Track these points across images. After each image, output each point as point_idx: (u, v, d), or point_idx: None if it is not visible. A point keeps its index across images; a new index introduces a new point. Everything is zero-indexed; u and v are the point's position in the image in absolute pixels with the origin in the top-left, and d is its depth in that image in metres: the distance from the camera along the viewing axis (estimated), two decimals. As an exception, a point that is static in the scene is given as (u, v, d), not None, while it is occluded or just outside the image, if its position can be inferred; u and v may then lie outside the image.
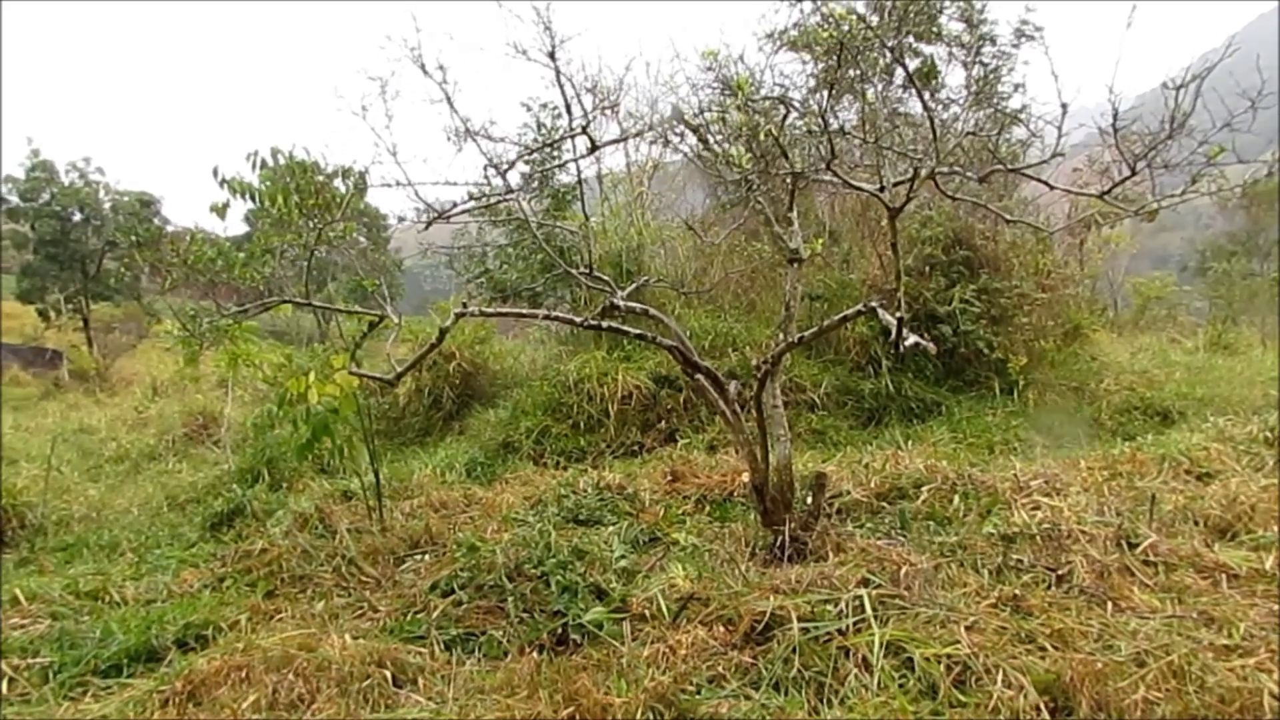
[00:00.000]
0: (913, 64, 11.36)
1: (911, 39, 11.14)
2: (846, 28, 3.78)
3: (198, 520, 7.76)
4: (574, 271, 5.86)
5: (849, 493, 6.28)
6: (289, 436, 6.85)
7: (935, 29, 10.09)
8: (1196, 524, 5.40)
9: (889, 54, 4.32)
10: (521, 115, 11.74)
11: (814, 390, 9.30)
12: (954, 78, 11.48)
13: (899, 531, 5.56)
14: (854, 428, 9.15)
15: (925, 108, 4.03)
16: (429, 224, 4.85)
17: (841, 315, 4.45)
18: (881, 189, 4.40)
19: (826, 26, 4.02)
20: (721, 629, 4.16)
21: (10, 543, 7.77)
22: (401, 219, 6.18)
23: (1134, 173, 3.82)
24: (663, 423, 9.17)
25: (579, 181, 6.13)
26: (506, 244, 11.67)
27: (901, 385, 9.39)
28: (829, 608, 4.12)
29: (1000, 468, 6.83)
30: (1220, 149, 3.83)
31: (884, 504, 6.13)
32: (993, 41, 10.96)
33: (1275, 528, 5.15)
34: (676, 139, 6.69)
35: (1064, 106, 3.80)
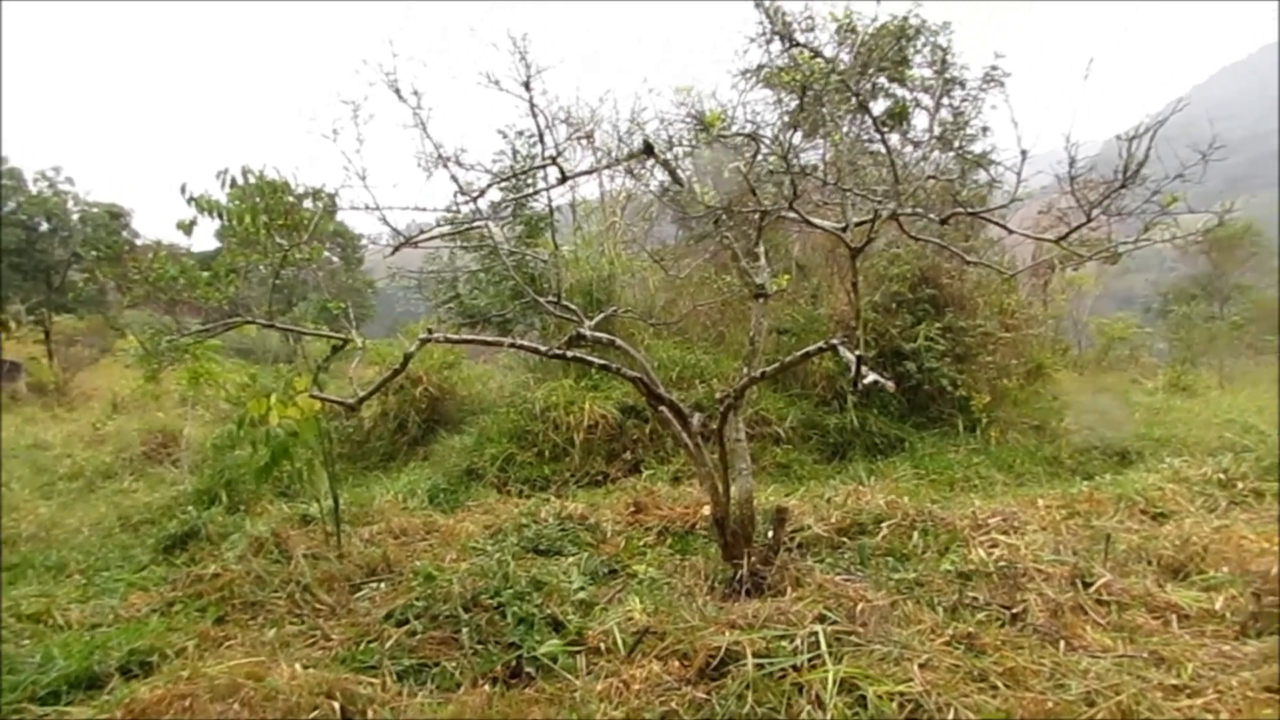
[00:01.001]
0: (884, 105, 11.60)
1: (885, 80, 11.32)
2: (809, 70, 3.85)
3: (150, 542, 7.58)
4: (541, 300, 5.84)
5: (810, 527, 6.28)
6: (248, 458, 6.76)
7: (899, 73, 10.24)
8: (1150, 564, 5.49)
9: (854, 97, 4.38)
10: (497, 142, 11.81)
11: (780, 424, 9.33)
12: (924, 120, 11.68)
13: (858, 567, 5.58)
14: (819, 462, 9.18)
15: (887, 149, 4.09)
16: (396, 249, 4.83)
17: (804, 351, 4.48)
18: (845, 228, 4.45)
19: (790, 70, 4.05)
20: (676, 664, 4.13)
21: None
22: (373, 241, 6.14)
23: (1089, 219, 3.90)
24: (628, 453, 9.16)
25: (549, 210, 6.12)
26: (478, 269, 11.65)
27: (866, 421, 9.46)
28: (784, 644, 4.11)
29: (960, 505, 6.90)
30: (1174, 198, 3.93)
31: (845, 539, 6.15)
32: (961, 85, 11.17)
33: (1226, 568, 5.24)
34: (645, 172, 6.74)
35: (1024, 153, 3.88)
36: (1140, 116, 3.97)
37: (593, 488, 8.71)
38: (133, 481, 11.32)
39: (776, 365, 4.75)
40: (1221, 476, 7.35)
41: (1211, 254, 25.84)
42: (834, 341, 4.14)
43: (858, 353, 3.73)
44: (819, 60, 3.96)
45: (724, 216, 4.63)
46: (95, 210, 30.19)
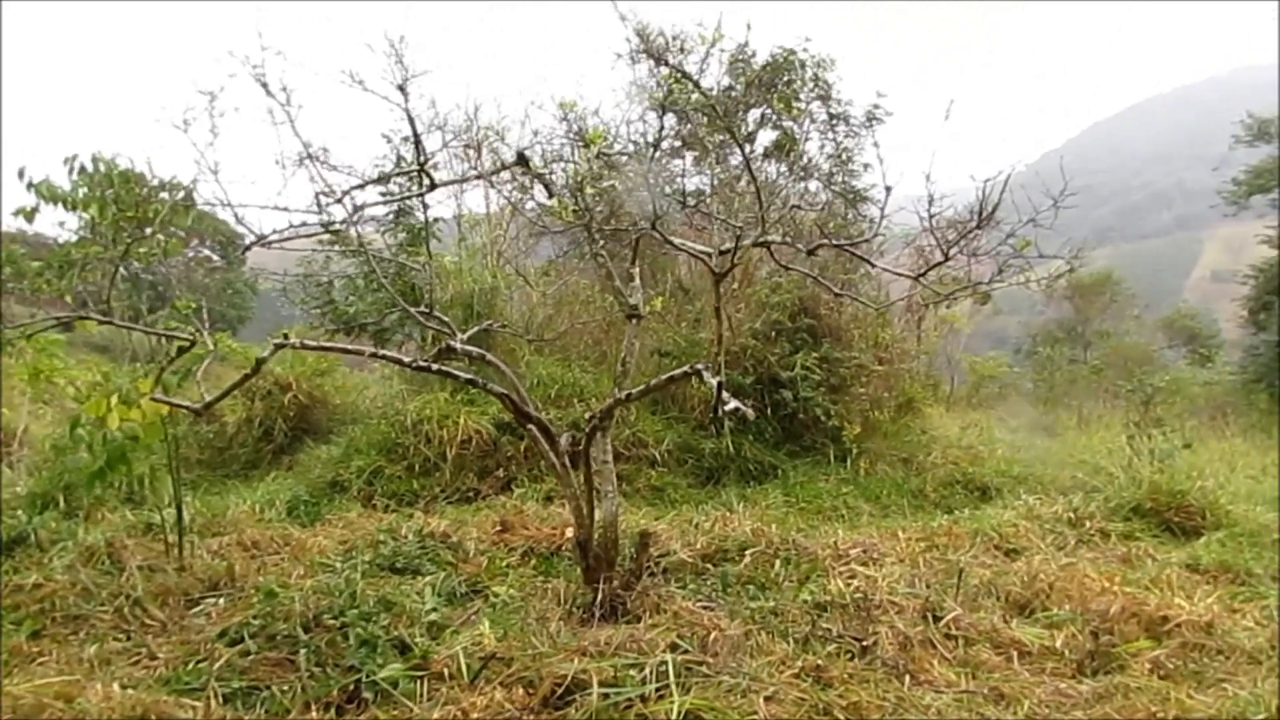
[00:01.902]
0: (774, 135, 11.83)
1: (769, 110, 11.55)
2: (667, 91, 3.84)
3: (-28, 548, 7.01)
4: (411, 311, 5.66)
5: (676, 552, 6.25)
6: (86, 462, 6.31)
7: (785, 105, 10.44)
8: (999, 599, 5.63)
9: (720, 121, 4.41)
10: (378, 146, 11.51)
11: (655, 446, 9.30)
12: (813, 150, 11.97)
13: (720, 594, 5.55)
14: (693, 486, 9.19)
15: (752, 176, 4.11)
16: (246, 248, 4.58)
17: (668, 375, 4.45)
18: (725, 253, 4.44)
19: (652, 91, 4.04)
20: (521, 691, 4.01)
21: None
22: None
23: (946, 258, 4.00)
24: (501, 470, 8.97)
25: (425, 219, 5.95)
26: (355, 275, 11.30)
27: (741, 447, 9.52)
28: (633, 672, 4.04)
29: (825, 534, 6.98)
30: (1026, 242, 4.06)
31: (709, 565, 6.13)
32: (846, 121, 11.50)
33: (1068, 606, 5.42)
34: (520, 186, 6.64)
35: (888, 189, 3.96)
36: (1013, 165, 4.12)
37: (463, 504, 8.48)
38: (-35, 481, 10.49)
39: (642, 388, 4.70)
40: (1072, 515, 7.65)
41: (1074, 299, 27.31)
42: (698, 366, 4.11)
43: (718, 378, 3.70)
44: (684, 83, 3.94)
45: (594, 234, 4.56)
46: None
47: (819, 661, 4.36)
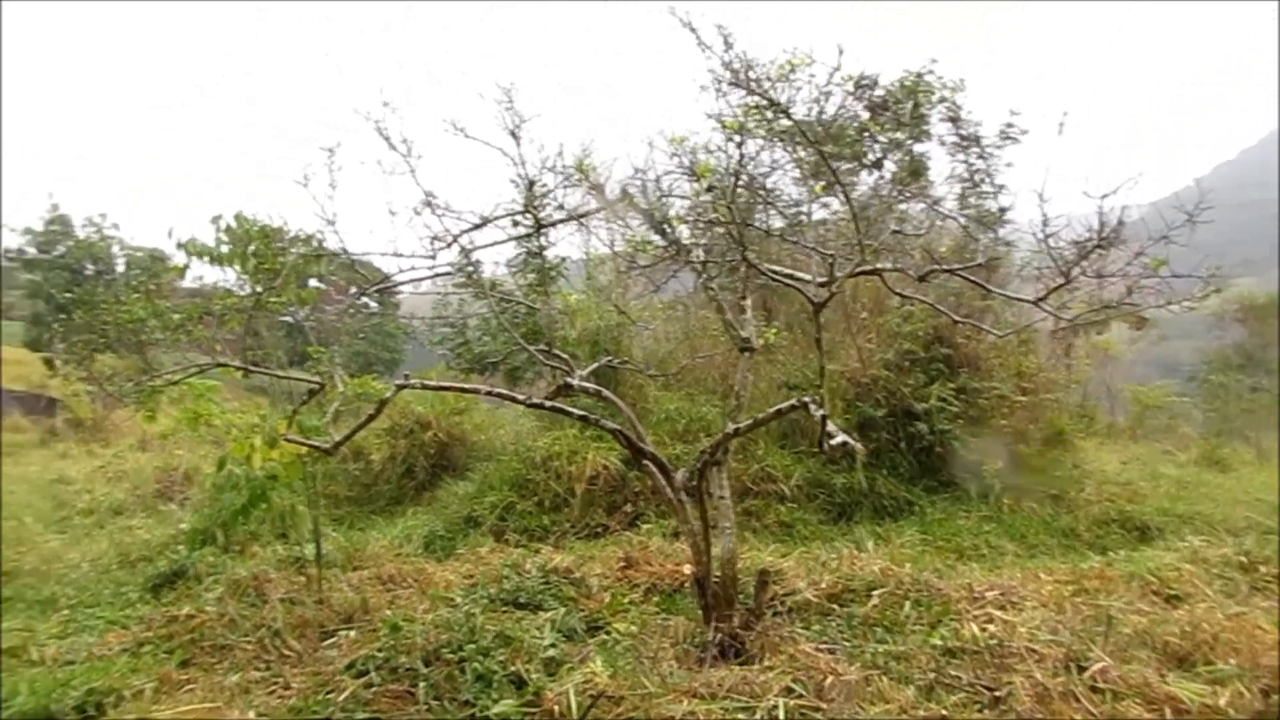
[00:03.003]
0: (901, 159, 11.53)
1: (901, 135, 11.27)
2: (743, 121, 3.78)
3: (140, 580, 7.56)
4: (529, 349, 5.78)
5: (801, 591, 6.07)
6: (234, 500, 6.71)
7: (916, 129, 10.16)
8: (1154, 650, 5.15)
9: (812, 146, 4.30)
10: (487, 188, 11.90)
11: (784, 481, 9.12)
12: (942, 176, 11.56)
13: (846, 637, 5.34)
14: (824, 522, 8.93)
15: (849, 202, 3.98)
16: (363, 293, 4.80)
17: (775, 409, 4.35)
18: (826, 283, 4.33)
19: (731, 121, 3.96)
20: (629, 732, 3.96)
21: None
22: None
23: (1068, 279, 3.74)
24: (629, 506, 9.00)
25: (542, 259, 6.09)
26: (487, 316, 11.65)
27: (875, 482, 9.20)
28: (742, 716, 3.92)
29: (961, 575, 6.63)
30: (1161, 262, 3.76)
31: (835, 605, 5.92)
32: (977, 142, 11.05)
33: (1235, 660, 4.91)
34: (624, 222, 6.70)
35: (1001, 210, 3.76)
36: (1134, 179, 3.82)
37: (591, 540, 8.55)
38: (142, 518, 11.36)
39: (750, 422, 4.61)
40: (1244, 559, 6.95)
41: (1247, 321, 25.07)
42: (805, 400, 3.99)
43: (822, 411, 3.58)
44: (768, 111, 3.86)
45: (699, 268, 4.53)
46: (139, 254, 31.16)
47: (943, 711, 4.11)
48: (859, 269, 4.01)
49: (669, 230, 4.31)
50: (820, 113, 4.19)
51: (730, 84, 3.84)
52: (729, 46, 3.88)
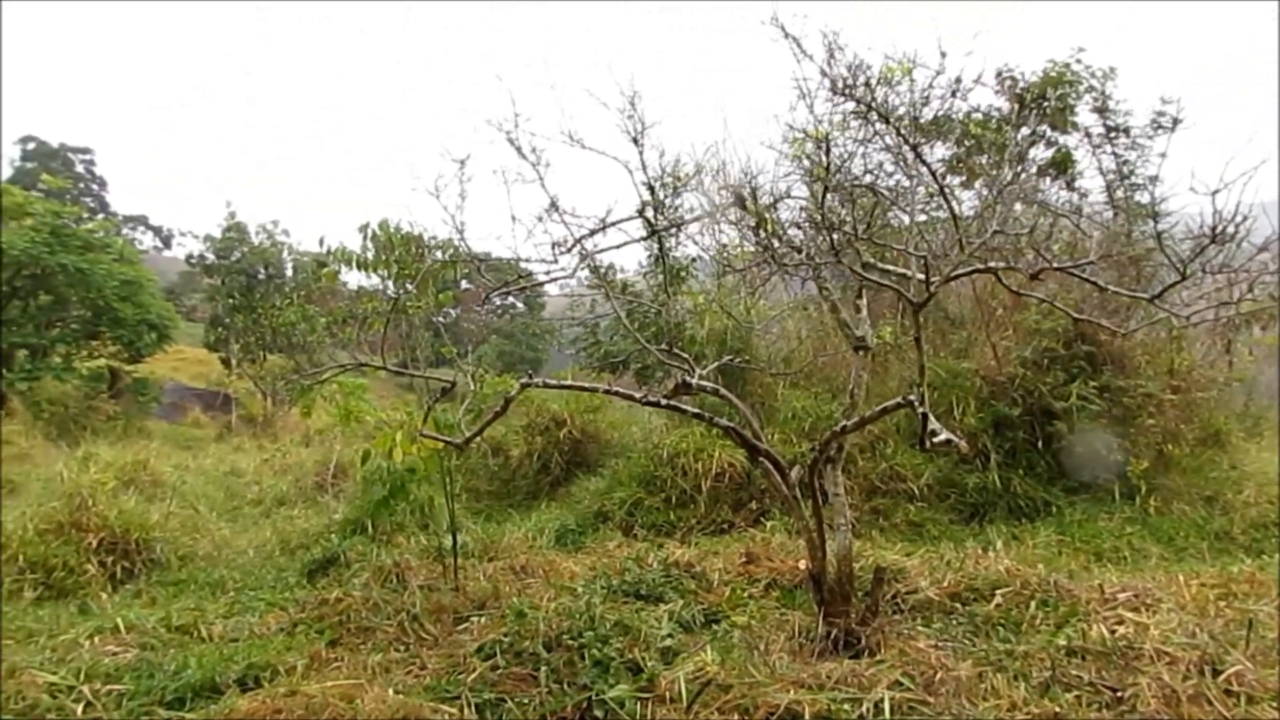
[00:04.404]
0: (1047, 153, 11.11)
1: (1047, 129, 10.87)
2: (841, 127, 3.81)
3: (298, 565, 8.20)
4: (650, 348, 5.96)
5: (923, 589, 6.01)
6: (377, 492, 7.20)
7: (1061, 120, 9.75)
8: (1302, 656, 4.87)
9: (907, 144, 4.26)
10: (609, 192, 12.14)
11: (914, 481, 8.98)
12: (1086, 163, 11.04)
13: (967, 635, 5.28)
14: (955, 522, 8.75)
15: (945, 197, 3.94)
16: (486, 297, 5.10)
17: (881, 407, 4.36)
18: (925, 283, 4.31)
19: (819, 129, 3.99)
20: (736, 717, 4.07)
21: (133, 574, 8.40)
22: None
23: (1184, 276, 3.61)
24: (754, 503, 9.07)
25: (664, 261, 6.26)
26: (618, 316, 11.93)
27: (1010, 482, 8.94)
28: (848, 707, 3.98)
29: (1096, 577, 6.40)
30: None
31: (957, 604, 5.83)
32: (1126, 133, 10.48)
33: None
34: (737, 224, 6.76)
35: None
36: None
37: (716, 536, 8.66)
38: (302, 509, 12.25)
39: (857, 420, 4.63)
40: None
41: None
42: (910, 398, 4.00)
43: (923, 409, 3.60)
44: (873, 113, 3.87)
45: (813, 268, 4.59)
46: (306, 259, 33.31)
47: (1057, 709, 4.03)
48: (955, 272, 3.97)
49: (763, 235, 4.39)
50: (916, 116, 4.14)
51: (838, 92, 3.86)
52: (832, 54, 3.92)
